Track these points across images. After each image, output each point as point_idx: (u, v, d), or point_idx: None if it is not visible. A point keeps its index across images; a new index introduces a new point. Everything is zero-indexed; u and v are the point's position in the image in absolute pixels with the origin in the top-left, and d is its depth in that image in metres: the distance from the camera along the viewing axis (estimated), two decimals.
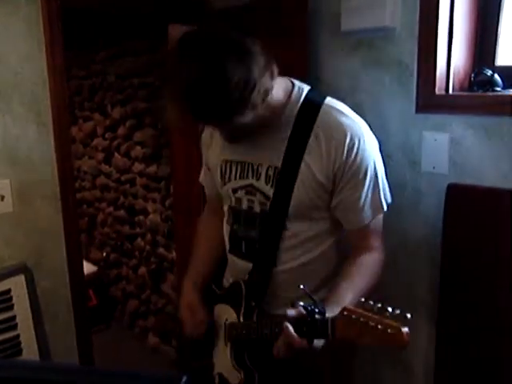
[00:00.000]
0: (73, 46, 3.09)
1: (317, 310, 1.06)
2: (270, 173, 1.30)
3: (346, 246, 1.38)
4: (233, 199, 1.40)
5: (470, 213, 1.60)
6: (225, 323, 1.43)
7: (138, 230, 3.73)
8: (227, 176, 1.40)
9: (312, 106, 1.27)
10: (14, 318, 1.84)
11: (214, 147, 1.47)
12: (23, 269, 1.89)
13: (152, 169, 3.45)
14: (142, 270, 3.73)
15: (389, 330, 0.91)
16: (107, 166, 3.94)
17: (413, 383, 1.91)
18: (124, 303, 3.98)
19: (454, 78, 1.68)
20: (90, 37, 3.76)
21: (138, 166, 3.59)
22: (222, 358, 1.44)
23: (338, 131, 1.23)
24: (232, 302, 1.41)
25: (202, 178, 1.65)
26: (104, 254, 4.11)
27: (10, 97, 1.85)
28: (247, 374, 1.35)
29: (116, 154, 3.81)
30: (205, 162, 1.58)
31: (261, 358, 1.34)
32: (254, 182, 1.33)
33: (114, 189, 3.91)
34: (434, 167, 1.72)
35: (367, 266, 1.29)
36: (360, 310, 0.97)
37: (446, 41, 1.63)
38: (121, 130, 3.70)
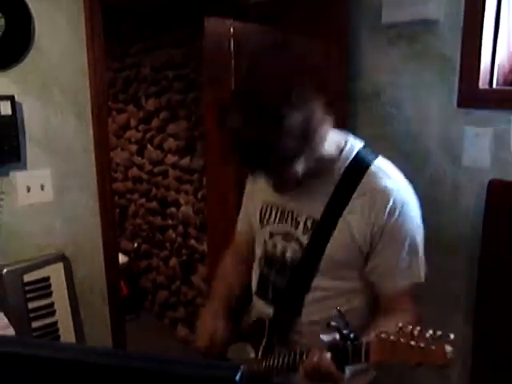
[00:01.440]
0: (108, 38, 3.13)
1: (351, 336, 1.04)
2: (308, 224, 1.29)
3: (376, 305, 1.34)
4: (269, 243, 1.39)
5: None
6: (242, 360, 1.39)
7: (169, 221, 3.77)
8: (266, 219, 1.39)
9: (360, 165, 1.25)
10: (52, 304, 1.88)
11: (257, 190, 1.45)
12: (61, 257, 1.94)
13: (185, 161, 3.47)
14: (173, 261, 3.77)
15: (432, 347, 0.90)
16: (140, 158, 3.98)
17: None
18: (154, 294, 4.03)
19: (498, 72, 1.64)
20: (125, 29, 3.80)
21: (170, 158, 3.61)
22: None
23: (382, 194, 1.20)
24: (252, 339, 1.40)
25: (240, 216, 1.60)
26: (135, 245, 4.17)
27: (52, 88, 1.88)
28: None
29: (149, 146, 3.85)
30: (244, 203, 1.56)
31: None
32: (292, 229, 1.32)
33: (147, 180, 3.95)
34: (475, 162, 1.69)
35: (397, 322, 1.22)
36: (399, 332, 0.95)
37: (491, 33, 1.59)
38: (154, 122, 3.73)
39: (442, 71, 1.73)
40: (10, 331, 1.40)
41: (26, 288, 1.82)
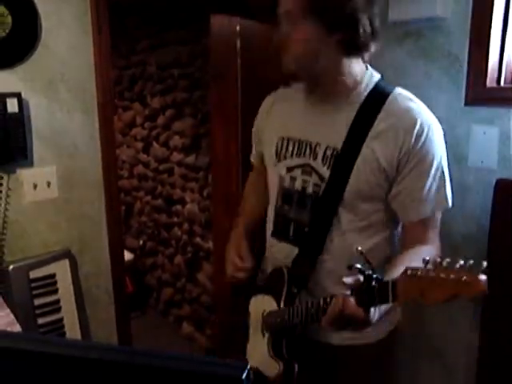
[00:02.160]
0: (114, 36, 3.14)
1: (374, 276, 0.99)
2: (328, 153, 1.24)
3: (399, 241, 1.32)
4: (286, 178, 1.34)
5: None
6: (262, 314, 1.39)
7: (175, 219, 3.77)
8: (283, 153, 1.35)
9: (381, 92, 1.23)
10: (58, 301, 1.89)
11: (271, 120, 1.42)
12: (67, 254, 1.94)
13: (190, 159, 3.47)
14: (178, 258, 3.77)
15: (464, 278, 0.84)
16: (145, 156, 3.98)
17: (452, 380, 1.88)
18: (159, 291, 4.04)
19: (506, 70, 1.63)
20: (131, 27, 3.80)
21: (176, 156, 3.62)
22: (258, 351, 1.40)
23: (408, 117, 1.18)
24: (272, 290, 1.37)
25: (255, 160, 1.59)
26: (140, 243, 4.18)
27: (58, 85, 1.89)
28: (286, 365, 1.31)
29: (155, 144, 3.85)
30: (257, 137, 1.52)
31: (300, 348, 1.32)
32: (310, 161, 1.28)
33: (152, 178, 3.95)
34: (482, 162, 1.68)
35: (421, 255, 1.18)
36: (426, 267, 0.89)
37: (499, 31, 1.58)
38: (160, 120, 3.73)
39: (450, 69, 1.72)
40: (17, 328, 1.40)
41: (32, 285, 1.82)
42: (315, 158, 1.27)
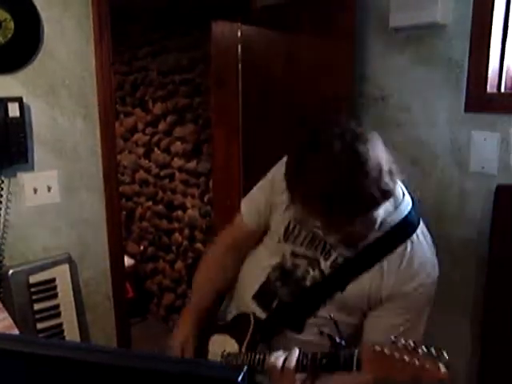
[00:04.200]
0: (116, 42, 3.16)
1: (343, 344, 1.04)
2: (339, 260, 1.26)
3: None
4: (289, 261, 1.34)
5: None
6: (222, 353, 1.38)
7: (175, 224, 3.77)
8: (293, 237, 1.33)
9: (407, 226, 1.24)
10: (58, 306, 1.89)
11: (281, 204, 1.35)
12: (67, 259, 1.94)
13: (191, 164, 3.47)
14: (179, 264, 3.77)
15: (427, 366, 0.89)
16: (147, 161, 3.99)
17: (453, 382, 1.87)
18: (160, 297, 4.03)
19: (506, 77, 1.63)
20: (133, 33, 3.82)
21: (177, 162, 3.62)
22: None
23: (422, 264, 1.21)
24: (235, 333, 1.38)
25: (247, 201, 1.48)
26: (141, 248, 4.17)
27: (59, 90, 1.89)
28: None
29: (156, 150, 3.86)
30: (265, 194, 1.42)
31: None
32: (320, 259, 1.29)
33: (153, 184, 3.96)
34: (482, 167, 1.68)
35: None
36: (392, 346, 0.94)
37: (500, 38, 1.59)
38: (161, 126, 3.74)
39: (450, 75, 1.72)
40: (15, 332, 1.40)
41: (32, 289, 1.82)
42: (326, 259, 1.28)
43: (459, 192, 1.74)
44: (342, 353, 1.03)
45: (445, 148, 1.76)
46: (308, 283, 1.31)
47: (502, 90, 1.64)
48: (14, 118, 1.73)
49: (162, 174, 3.82)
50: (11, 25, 1.72)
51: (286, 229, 1.34)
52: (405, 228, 1.24)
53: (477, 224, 1.71)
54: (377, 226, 1.16)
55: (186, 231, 3.64)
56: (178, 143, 3.59)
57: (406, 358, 0.90)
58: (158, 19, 3.50)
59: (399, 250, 1.21)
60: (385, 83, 1.91)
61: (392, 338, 0.95)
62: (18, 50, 1.76)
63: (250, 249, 1.48)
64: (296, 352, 1.11)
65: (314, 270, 1.30)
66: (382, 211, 1.13)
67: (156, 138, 3.83)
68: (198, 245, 3.53)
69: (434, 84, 1.77)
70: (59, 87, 1.89)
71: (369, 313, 1.27)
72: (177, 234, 3.77)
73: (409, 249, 1.21)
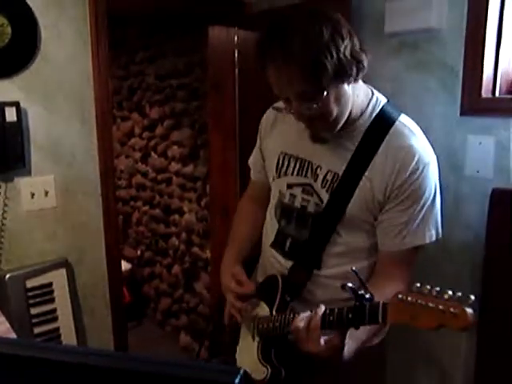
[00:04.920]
0: (113, 46, 3.16)
1: (367, 296, 1.01)
2: (329, 178, 1.27)
3: None
4: (286, 195, 1.37)
5: None
6: (254, 317, 1.41)
7: (172, 229, 3.77)
8: (284, 169, 1.37)
9: (385, 120, 1.24)
10: (54, 310, 1.89)
11: (274, 135, 1.44)
12: (64, 263, 1.94)
13: (188, 169, 3.48)
14: (176, 268, 3.76)
15: (451, 310, 0.86)
16: (144, 166, 3.99)
17: None
18: (156, 301, 4.02)
19: (501, 81, 1.64)
20: (130, 38, 3.83)
21: (174, 166, 3.62)
22: (248, 354, 1.41)
23: (406, 153, 1.20)
24: (265, 296, 1.39)
25: (251, 160, 1.59)
26: (138, 252, 4.17)
27: (56, 95, 1.90)
28: (273, 371, 1.32)
29: (153, 154, 3.86)
30: (258, 146, 1.53)
31: (289, 356, 1.32)
32: (312, 182, 1.31)
33: (150, 188, 3.96)
34: (477, 171, 1.69)
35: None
36: (417, 293, 0.91)
37: (494, 42, 1.60)
38: (158, 130, 3.75)
39: (445, 80, 1.73)
40: (12, 336, 1.40)
41: (29, 293, 1.82)
42: (316, 180, 1.30)
43: (454, 196, 1.75)
44: (367, 305, 1.00)
45: (440, 152, 1.74)
46: (311, 210, 1.32)
47: (497, 94, 1.65)
48: (11, 123, 1.73)
49: (158, 178, 3.82)
50: (8, 30, 1.72)
51: (277, 164, 1.39)
52: (383, 122, 1.24)
53: (472, 228, 1.71)
54: (347, 109, 1.18)
55: (183, 235, 3.64)
56: (175, 147, 3.59)
57: (431, 304, 0.88)
58: (155, 24, 3.51)
59: (381, 149, 1.21)
60: (380, 88, 1.91)
61: (417, 284, 0.92)
62: (15, 55, 1.77)
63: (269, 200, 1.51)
64: (321, 310, 1.09)
65: (311, 195, 1.31)
66: (350, 92, 1.16)
67: (153, 142, 3.83)
68: (195, 249, 3.53)
69: (429, 88, 1.78)
70: (56, 92, 1.90)
71: (375, 223, 1.27)
72: (174, 239, 3.77)
73: (391, 142, 1.21)
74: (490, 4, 1.55)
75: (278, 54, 1.09)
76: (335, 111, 1.16)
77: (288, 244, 1.38)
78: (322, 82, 1.09)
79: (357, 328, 1.04)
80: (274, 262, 1.44)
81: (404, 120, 1.26)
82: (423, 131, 1.69)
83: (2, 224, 1.83)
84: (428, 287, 0.90)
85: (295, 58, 1.07)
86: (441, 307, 0.87)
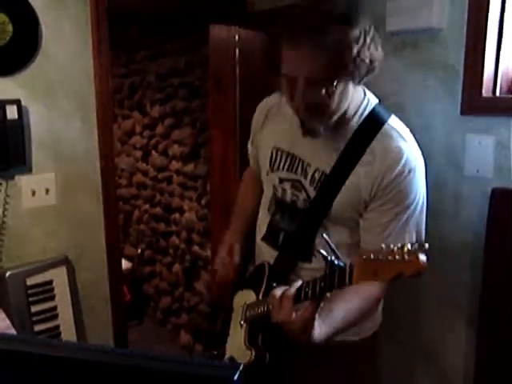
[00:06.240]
0: (114, 45, 3.16)
1: (336, 263, 1.04)
2: (316, 176, 1.30)
3: None
4: (279, 189, 1.40)
5: None
6: (242, 306, 1.44)
7: (173, 227, 3.77)
8: (276, 164, 1.40)
9: (375, 122, 1.26)
10: (55, 308, 1.89)
11: (267, 129, 1.46)
12: (65, 261, 1.95)
13: (189, 167, 3.48)
14: (176, 267, 3.77)
15: (406, 257, 0.89)
16: (144, 164, 3.99)
17: None
18: (157, 300, 4.03)
19: (501, 80, 1.64)
20: (131, 36, 3.83)
21: (175, 165, 3.63)
22: (235, 340, 1.44)
23: (394, 155, 1.21)
24: (253, 284, 1.43)
25: (250, 150, 1.63)
26: (139, 251, 4.17)
27: (57, 93, 1.90)
28: (258, 354, 1.33)
29: (153, 152, 3.86)
30: (252, 139, 1.57)
31: (274, 341, 1.33)
32: (301, 178, 1.34)
33: (151, 186, 3.96)
34: (477, 171, 1.69)
35: (363, 298, 1.23)
36: (379, 250, 0.94)
37: (495, 42, 1.60)
38: (159, 129, 3.75)
39: (446, 79, 1.73)
40: (12, 333, 1.40)
41: (29, 291, 1.83)
42: (305, 177, 1.33)
43: (454, 195, 1.75)
44: (336, 270, 1.03)
45: (440, 151, 1.77)
46: (301, 206, 1.35)
47: (498, 93, 1.65)
48: (11, 121, 1.73)
49: (159, 176, 3.82)
50: (10, 27, 1.73)
51: (270, 159, 1.42)
52: (372, 123, 1.26)
53: (472, 227, 1.71)
54: (344, 106, 1.19)
55: (184, 234, 3.65)
56: (176, 146, 3.59)
57: (390, 257, 0.91)
58: (156, 22, 3.51)
59: (369, 149, 1.23)
60: (380, 87, 1.91)
61: (382, 245, 0.95)
62: (16, 53, 1.77)
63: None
64: (298, 283, 1.12)
65: (300, 191, 1.34)
66: (352, 91, 1.18)
67: (154, 140, 3.84)
68: (196, 248, 3.54)
69: (430, 87, 1.78)
70: (57, 90, 1.90)
71: (360, 220, 1.29)
72: (174, 237, 3.78)
73: (379, 144, 1.23)
74: (490, 3, 1.55)
75: (307, 32, 1.10)
76: (334, 105, 1.17)
77: (281, 238, 1.41)
78: (338, 74, 1.12)
79: (330, 291, 1.05)
80: (265, 255, 1.46)
81: (393, 122, 1.27)
82: (423, 130, 1.70)
83: (3, 222, 1.83)
84: (392, 246, 0.93)
85: (324, 41, 1.09)
86: (397, 257, 0.90)
